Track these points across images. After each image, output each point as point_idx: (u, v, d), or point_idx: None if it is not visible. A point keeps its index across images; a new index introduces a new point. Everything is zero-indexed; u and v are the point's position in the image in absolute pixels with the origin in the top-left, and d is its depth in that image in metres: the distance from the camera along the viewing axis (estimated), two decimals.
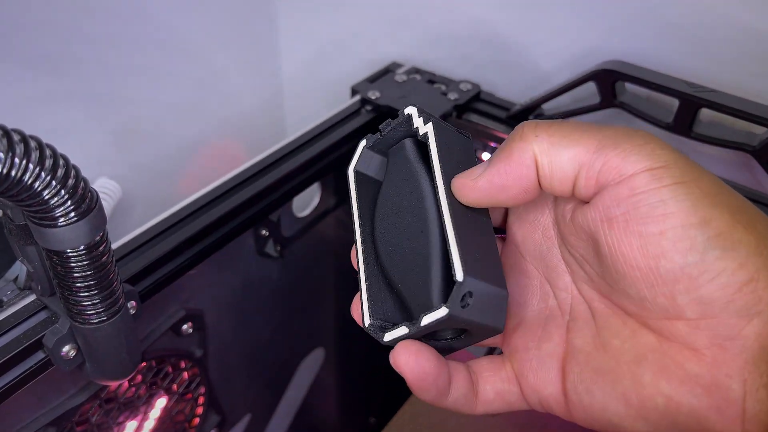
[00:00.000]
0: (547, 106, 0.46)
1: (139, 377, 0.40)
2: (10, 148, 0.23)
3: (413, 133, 0.26)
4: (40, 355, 0.30)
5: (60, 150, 0.25)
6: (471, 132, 0.46)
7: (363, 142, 0.28)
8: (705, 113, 0.39)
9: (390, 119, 0.27)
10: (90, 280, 0.27)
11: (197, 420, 0.46)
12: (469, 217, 0.24)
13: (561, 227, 0.25)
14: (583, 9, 0.45)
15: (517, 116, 0.46)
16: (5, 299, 0.31)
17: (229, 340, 0.46)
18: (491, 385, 0.25)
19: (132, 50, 0.50)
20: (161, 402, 0.42)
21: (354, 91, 0.50)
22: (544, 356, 0.25)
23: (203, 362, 0.43)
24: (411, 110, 0.26)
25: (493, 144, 0.46)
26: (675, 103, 0.40)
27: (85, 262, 0.27)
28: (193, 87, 0.57)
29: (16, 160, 0.23)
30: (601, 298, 0.24)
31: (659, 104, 0.42)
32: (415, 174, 0.26)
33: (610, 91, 0.42)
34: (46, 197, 0.24)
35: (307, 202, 0.49)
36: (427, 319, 0.22)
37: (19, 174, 0.23)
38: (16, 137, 0.23)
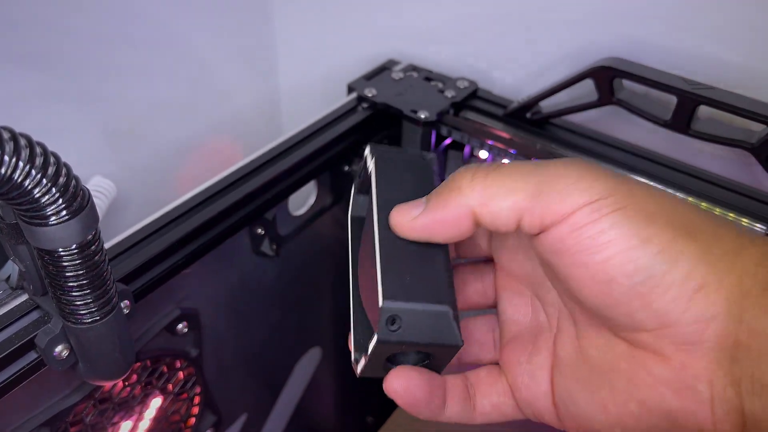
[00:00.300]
0: (545, 104, 0.46)
1: (134, 377, 0.39)
2: (0, 147, 0.22)
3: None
4: (32, 356, 0.30)
5: (53, 148, 0.24)
6: (468, 130, 0.46)
7: (353, 188, 0.30)
8: (703, 110, 0.39)
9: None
10: (82, 280, 0.27)
11: (193, 420, 0.46)
12: (408, 246, 0.25)
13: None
14: (581, 5, 0.44)
15: (514, 113, 0.46)
16: None
17: (225, 340, 0.45)
18: (488, 398, 0.26)
19: (124, 46, 0.50)
20: (156, 402, 0.41)
21: (350, 89, 0.49)
22: (535, 369, 0.26)
23: (199, 362, 0.43)
24: (366, 149, 0.27)
25: (490, 142, 0.46)
26: (673, 100, 0.39)
27: (77, 261, 0.26)
28: (188, 85, 0.57)
29: (6, 157, 0.22)
30: (581, 310, 0.25)
31: (657, 101, 0.42)
32: (370, 210, 0.27)
33: (608, 89, 0.42)
34: (37, 195, 0.24)
35: (303, 200, 0.49)
36: (370, 347, 0.24)
37: (9, 172, 0.23)
38: (5, 135, 0.23)
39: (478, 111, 0.48)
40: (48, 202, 0.24)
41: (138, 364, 0.38)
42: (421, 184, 0.26)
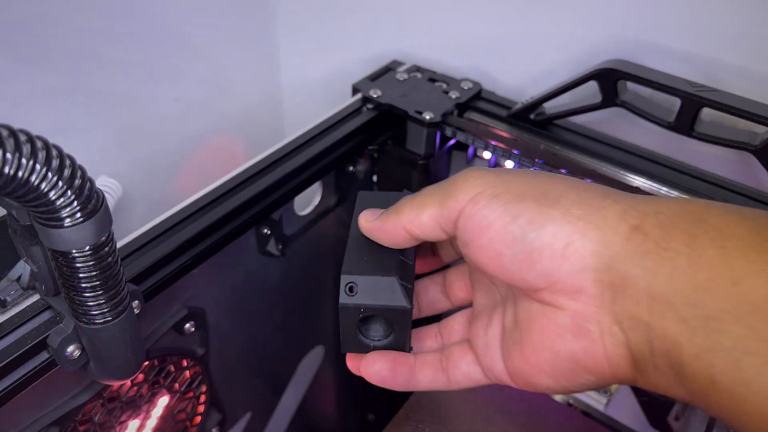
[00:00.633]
0: (549, 105, 0.46)
1: (141, 376, 0.40)
2: (17, 149, 0.22)
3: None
4: (44, 356, 0.30)
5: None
6: (473, 131, 0.47)
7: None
8: (707, 112, 0.39)
9: None
10: (95, 281, 0.27)
11: (199, 418, 0.46)
12: (372, 242, 0.31)
13: None
14: (585, 7, 0.45)
15: (518, 114, 0.46)
16: (9, 299, 0.31)
17: (231, 339, 0.46)
18: (459, 368, 0.31)
19: (130, 47, 0.50)
20: (163, 401, 0.42)
21: (355, 90, 0.50)
22: (490, 340, 0.30)
23: (205, 361, 0.43)
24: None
25: (493, 143, 0.46)
26: (677, 102, 0.40)
27: (91, 263, 0.26)
28: (192, 85, 0.57)
29: (23, 160, 0.23)
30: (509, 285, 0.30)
31: (661, 104, 0.42)
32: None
33: (612, 90, 0.42)
34: (53, 198, 0.24)
35: (308, 200, 0.49)
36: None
37: (26, 175, 0.23)
38: (22, 137, 0.23)
39: (482, 112, 0.48)
40: (63, 204, 0.24)
41: (146, 363, 0.39)
42: (393, 203, 0.32)
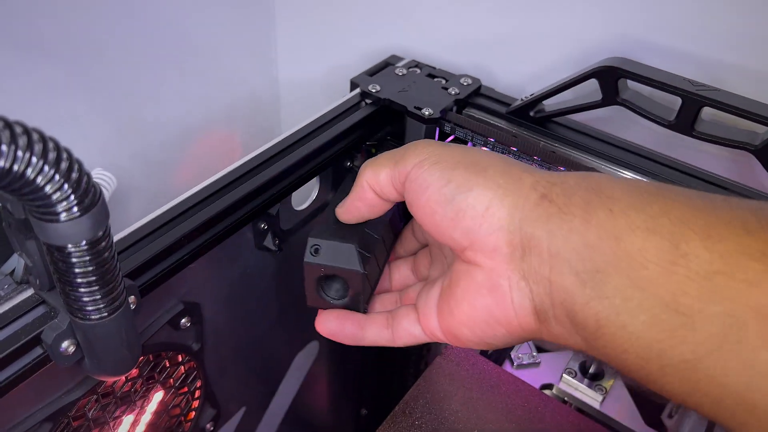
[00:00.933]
0: (548, 103, 0.46)
1: (136, 371, 0.39)
2: (13, 141, 0.22)
3: None
4: (38, 351, 0.30)
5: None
6: (472, 127, 0.46)
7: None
8: (707, 112, 0.39)
9: None
10: (91, 276, 0.27)
11: (193, 414, 0.46)
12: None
13: None
14: (587, 5, 0.44)
15: (517, 112, 0.46)
16: (2, 293, 0.31)
17: (226, 334, 0.45)
18: (402, 327, 0.34)
19: (128, 40, 0.49)
20: (158, 396, 0.41)
21: (353, 85, 0.49)
22: (429, 300, 0.33)
23: (200, 356, 0.43)
24: None
25: (492, 139, 0.46)
26: (677, 101, 0.40)
27: (87, 258, 0.26)
28: (190, 80, 0.56)
29: (19, 153, 0.22)
30: (447, 247, 0.34)
31: (662, 102, 0.42)
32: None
33: (613, 89, 0.42)
34: (49, 192, 0.23)
35: (306, 195, 0.48)
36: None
37: (22, 168, 0.22)
38: (18, 129, 0.22)
39: (482, 109, 0.48)
40: (59, 198, 0.24)
41: (141, 358, 0.38)
42: None
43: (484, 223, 0.28)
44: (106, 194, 0.47)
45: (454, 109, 0.48)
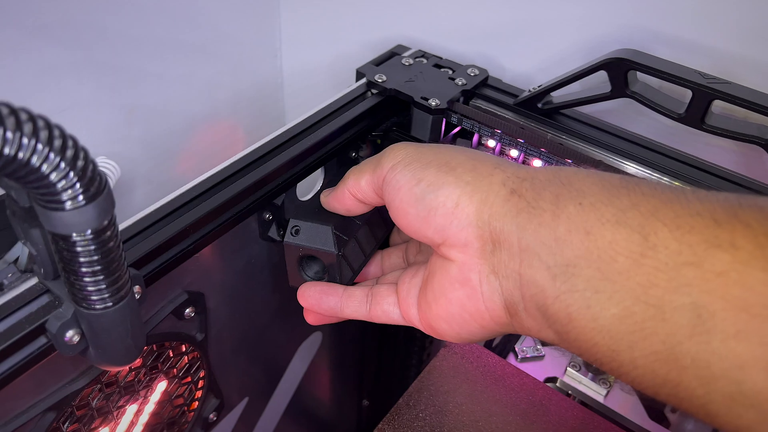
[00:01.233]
0: (556, 94, 0.45)
1: (140, 361, 0.39)
2: (18, 128, 0.22)
3: None
4: (42, 340, 0.30)
5: None
6: (479, 118, 0.46)
7: None
8: (718, 105, 0.39)
9: None
10: (96, 266, 0.26)
11: (196, 404, 0.46)
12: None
13: None
14: None
15: (525, 103, 0.46)
16: (6, 282, 0.30)
17: (230, 324, 0.45)
18: (380, 306, 0.36)
19: (132, 26, 0.49)
20: (161, 386, 0.41)
21: (359, 74, 0.49)
22: (411, 287, 0.34)
23: (204, 346, 0.43)
24: None
25: (499, 131, 0.46)
26: (688, 94, 0.39)
27: (92, 247, 0.26)
28: (193, 69, 0.56)
29: (24, 139, 0.22)
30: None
31: (671, 95, 0.41)
32: None
33: (622, 81, 0.41)
34: (54, 180, 0.23)
35: (311, 185, 0.48)
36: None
37: (27, 155, 0.22)
38: (23, 116, 0.22)
39: (489, 100, 0.47)
40: (65, 186, 0.24)
41: (145, 348, 0.38)
42: None
43: (455, 219, 0.29)
44: (110, 183, 0.47)
45: (461, 99, 0.47)
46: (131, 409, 0.40)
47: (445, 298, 0.31)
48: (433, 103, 0.45)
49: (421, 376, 0.50)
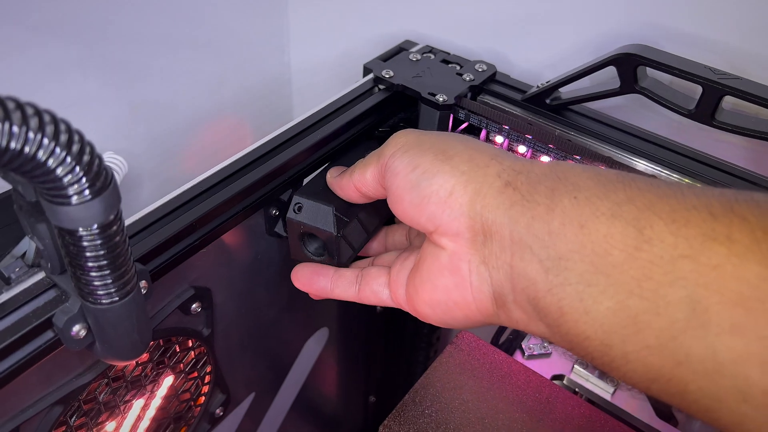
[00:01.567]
0: (565, 90, 0.45)
1: (146, 356, 0.39)
2: (24, 122, 0.22)
3: None
4: (49, 335, 0.30)
5: None
6: (486, 114, 0.46)
7: None
8: (728, 101, 0.39)
9: None
10: (102, 260, 0.26)
11: (203, 399, 0.46)
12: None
13: None
14: None
15: (533, 99, 0.45)
16: (13, 276, 0.30)
17: (237, 320, 0.45)
18: (370, 287, 0.36)
19: (140, 21, 0.49)
20: (168, 380, 0.41)
21: (366, 70, 0.49)
22: (401, 270, 0.35)
23: (210, 341, 0.43)
24: None
25: (507, 127, 0.45)
26: (698, 89, 0.39)
27: (98, 242, 0.26)
28: (201, 65, 0.56)
29: (30, 134, 0.22)
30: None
31: (681, 91, 0.41)
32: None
33: (632, 76, 0.41)
34: (60, 174, 0.23)
35: None
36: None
37: (33, 150, 0.22)
38: (29, 110, 0.22)
39: (497, 95, 0.47)
40: (71, 181, 0.24)
41: (151, 343, 0.38)
42: None
43: (447, 208, 0.29)
44: (117, 178, 0.47)
45: (469, 95, 0.47)
46: (138, 403, 0.40)
47: (431, 283, 0.31)
48: (441, 99, 0.45)
49: (427, 372, 0.50)
